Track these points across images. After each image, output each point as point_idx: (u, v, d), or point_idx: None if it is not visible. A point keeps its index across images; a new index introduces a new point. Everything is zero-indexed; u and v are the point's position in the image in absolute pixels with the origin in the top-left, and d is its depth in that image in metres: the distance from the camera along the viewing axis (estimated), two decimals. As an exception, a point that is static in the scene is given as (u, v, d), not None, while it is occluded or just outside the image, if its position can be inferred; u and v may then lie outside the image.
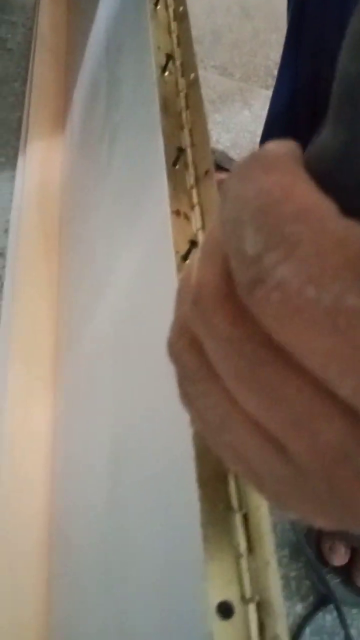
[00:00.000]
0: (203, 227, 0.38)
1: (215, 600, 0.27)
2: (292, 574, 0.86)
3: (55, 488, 0.64)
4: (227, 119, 1.36)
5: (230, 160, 1.17)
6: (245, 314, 0.15)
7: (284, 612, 0.26)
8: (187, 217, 0.39)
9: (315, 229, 0.13)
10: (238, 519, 0.29)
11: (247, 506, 0.29)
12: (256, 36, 1.57)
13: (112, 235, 0.54)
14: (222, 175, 1.11)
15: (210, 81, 1.42)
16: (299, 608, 0.84)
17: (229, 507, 0.29)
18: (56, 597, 0.58)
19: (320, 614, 0.85)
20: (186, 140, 0.43)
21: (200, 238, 0.38)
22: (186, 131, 0.44)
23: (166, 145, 0.42)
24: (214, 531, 0.28)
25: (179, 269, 0.36)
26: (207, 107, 1.37)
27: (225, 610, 0.27)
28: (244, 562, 0.27)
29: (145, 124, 0.48)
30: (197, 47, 1.35)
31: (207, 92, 1.40)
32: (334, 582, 0.86)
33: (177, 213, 0.39)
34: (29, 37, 1.20)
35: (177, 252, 0.37)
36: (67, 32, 1.18)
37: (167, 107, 0.45)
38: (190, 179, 0.41)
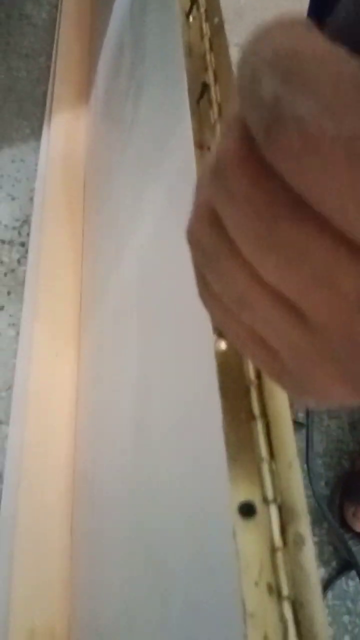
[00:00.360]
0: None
1: (237, 500, 0.27)
2: (315, 539, 0.86)
3: (79, 436, 0.65)
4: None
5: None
6: (263, 171, 0.15)
7: (306, 512, 0.27)
8: (210, 150, 0.39)
9: (332, 69, 0.14)
10: (260, 426, 0.29)
11: (268, 415, 0.29)
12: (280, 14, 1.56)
13: (136, 186, 0.55)
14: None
15: (233, 57, 1.41)
16: (322, 572, 0.84)
17: (250, 416, 0.29)
18: (80, 545, 0.59)
19: (342, 580, 0.85)
20: (210, 79, 0.43)
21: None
22: (210, 71, 0.44)
23: (190, 83, 0.42)
24: (237, 437, 0.29)
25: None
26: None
27: (247, 510, 0.27)
28: (265, 466, 0.28)
29: (170, 68, 0.48)
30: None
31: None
32: (357, 548, 0.86)
33: (200, 146, 0.39)
34: (54, 13, 1.21)
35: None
36: (91, 6, 1.19)
37: (192, 51, 0.45)
38: (214, 115, 0.41)
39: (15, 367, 0.79)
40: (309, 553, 0.25)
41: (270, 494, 0.27)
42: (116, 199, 0.65)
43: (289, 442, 0.28)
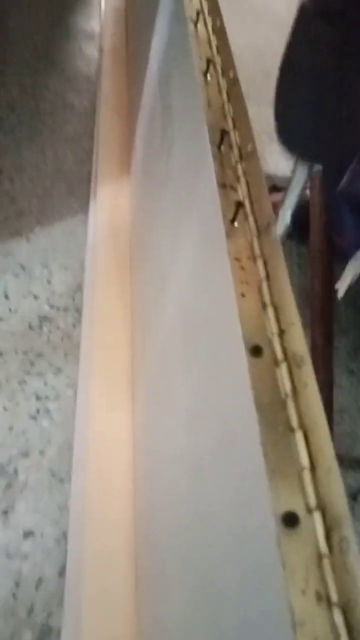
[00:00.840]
0: (249, 195, 0.41)
1: (280, 511, 0.27)
2: None
3: (138, 484, 0.65)
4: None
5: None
6: None
7: (348, 516, 0.26)
8: (233, 188, 0.42)
9: None
10: (298, 437, 0.29)
11: (305, 425, 0.30)
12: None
13: (172, 234, 0.58)
14: (278, 196, 1.12)
15: (264, 115, 1.48)
16: None
17: (289, 428, 0.30)
18: (144, 595, 0.58)
19: None
20: (229, 125, 0.46)
21: (247, 204, 0.40)
22: (229, 118, 0.47)
23: (210, 131, 0.45)
24: (275, 449, 0.29)
25: (228, 233, 0.39)
26: (263, 138, 1.42)
27: (290, 520, 0.27)
28: (306, 475, 0.28)
29: (194, 122, 0.52)
30: (248, 86, 1.42)
31: (262, 125, 1.45)
32: None
33: (223, 186, 0.42)
34: (94, 101, 1.33)
35: (224, 217, 0.39)
36: (127, 89, 1.30)
37: (211, 103, 0.49)
38: (235, 157, 0.44)
39: (75, 426, 0.82)
40: (356, 557, 0.25)
41: (312, 502, 0.27)
42: (156, 252, 0.68)
43: (327, 448, 0.28)
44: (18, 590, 0.67)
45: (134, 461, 0.74)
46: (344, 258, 0.89)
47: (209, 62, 0.52)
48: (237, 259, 0.36)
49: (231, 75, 0.51)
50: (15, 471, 0.76)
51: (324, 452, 0.28)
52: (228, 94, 0.50)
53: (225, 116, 0.47)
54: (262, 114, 1.49)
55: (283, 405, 0.30)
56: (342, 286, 0.89)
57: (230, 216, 0.39)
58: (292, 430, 0.29)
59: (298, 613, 0.24)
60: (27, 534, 0.71)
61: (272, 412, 0.30)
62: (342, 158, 0.88)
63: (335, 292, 1.09)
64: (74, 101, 1.32)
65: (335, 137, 0.29)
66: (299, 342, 0.33)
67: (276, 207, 1.16)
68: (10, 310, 0.92)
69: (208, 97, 0.50)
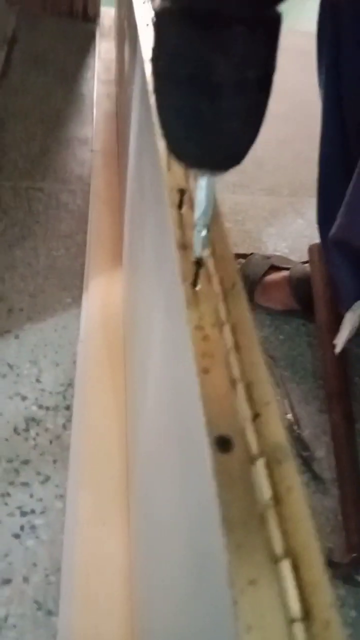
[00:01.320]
0: (213, 253, 0.34)
1: None
2: None
3: (135, 610, 0.54)
4: (281, 229, 1.38)
5: (288, 260, 1.15)
6: None
7: None
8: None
9: None
10: (285, 571, 0.20)
11: (295, 552, 0.20)
12: (297, 157, 1.65)
13: (148, 312, 0.51)
14: (284, 273, 1.07)
15: (258, 202, 1.47)
16: None
17: (270, 557, 0.21)
18: None
19: None
20: (189, 185, 0.41)
21: (210, 263, 0.33)
22: (189, 178, 0.42)
23: (170, 192, 0.40)
24: (252, 594, 0.20)
25: (188, 298, 0.32)
26: (260, 223, 1.41)
27: None
28: (298, 627, 0.18)
29: (157, 188, 0.48)
30: (240, 176, 1.43)
31: (257, 211, 1.44)
32: None
33: (183, 247, 0.35)
34: (87, 199, 1.33)
35: (184, 280, 0.32)
36: (118, 187, 1.30)
37: (170, 165, 0.44)
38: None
39: (63, 544, 0.71)
40: None
41: None
42: (138, 337, 0.61)
43: (324, 589, 0.19)
44: None
45: (131, 583, 0.62)
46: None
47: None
48: (199, 327, 0.29)
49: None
50: (-7, 605, 0.65)
51: (322, 598, 0.19)
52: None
53: (185, 176, 0.42)
54: (256, 201, 1.49)
55: (262, 521, 0.22)
56: (339, 340, 0.81)
57: (191, 278, 0.32)
58: (275, 560, 0.20)
59: None
60: None
61: (246, 533, 0.21)
62: (334, 206, 0.83)
63: (350, 368, 1.00)
64: (68, 200, 1.33)
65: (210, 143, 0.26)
66: (278, 428, 0.24)
67: (276, 285, 1.10)
68: (-6, 414, 0.85)
69: (168, 162, 0.45)
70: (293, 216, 1.43)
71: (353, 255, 0.81)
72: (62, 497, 0.76)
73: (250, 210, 1.44)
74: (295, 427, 0.91)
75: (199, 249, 0.32)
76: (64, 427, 0.85)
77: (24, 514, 0.74)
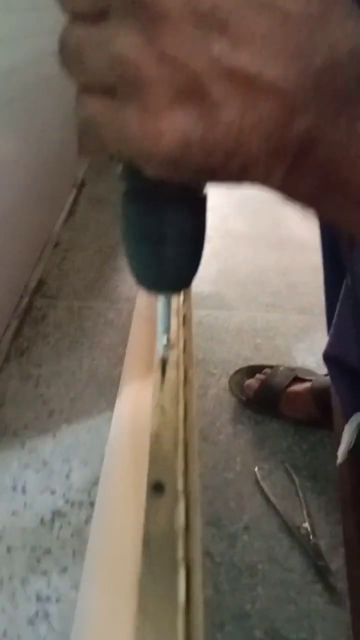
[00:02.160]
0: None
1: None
2: None
3: None
4: (310, 345, 1.46)
5: (313, 372, 1.22)
6: None
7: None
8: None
9: None
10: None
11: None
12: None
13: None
14: (307, 384, 1.14)
15: (290, 320, 1.58)
16: None
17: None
18: None
19: None
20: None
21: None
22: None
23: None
24: None
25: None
26: (290, 339, 1.49)
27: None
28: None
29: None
30: (274, 297, 1.56)
31: (289, 328, 1.54)
32: None
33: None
34: (131, 317, 1.48)
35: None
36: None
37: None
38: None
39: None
40: None
41: None
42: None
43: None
44: None
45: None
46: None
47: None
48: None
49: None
50: None
51: None
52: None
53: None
54: (288, 319, 1.59)
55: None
56: (339, 452, 0.84)
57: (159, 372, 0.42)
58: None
59: None
60: None
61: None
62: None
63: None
64: (114, 318, 1.49)
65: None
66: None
67: (299, 396, 1.16)
68: (25, 504, 0.92)
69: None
70: (323, 333, 1.51)
71: (345, 370, 0.87)
72: (76, 587, 0.80)
73: (282, 327, 1.54)
74: (311, 537, 0.92)
75: (161, 351, 0.43)
76: (86, 522, 0.91)
77: (39, 599, 0.78)
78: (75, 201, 2.17)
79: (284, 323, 1.56)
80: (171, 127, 0.22)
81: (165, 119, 0.22)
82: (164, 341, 0.42)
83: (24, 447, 1.04)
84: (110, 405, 1.17)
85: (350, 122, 0.22)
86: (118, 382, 1.28)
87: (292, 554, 0.89)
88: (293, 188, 0.25)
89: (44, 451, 1.04)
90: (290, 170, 0.24)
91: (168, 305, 0.42)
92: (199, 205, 0.34)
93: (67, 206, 2.09)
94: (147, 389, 1.18)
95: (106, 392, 1.21)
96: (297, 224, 2.22)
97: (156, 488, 0.32)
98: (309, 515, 0.96)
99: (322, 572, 0.87)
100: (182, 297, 0.55)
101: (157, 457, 0.34)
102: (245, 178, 0.24)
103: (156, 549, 0.27)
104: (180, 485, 0.32)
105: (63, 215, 2.02)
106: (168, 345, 0.43)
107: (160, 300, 0.41)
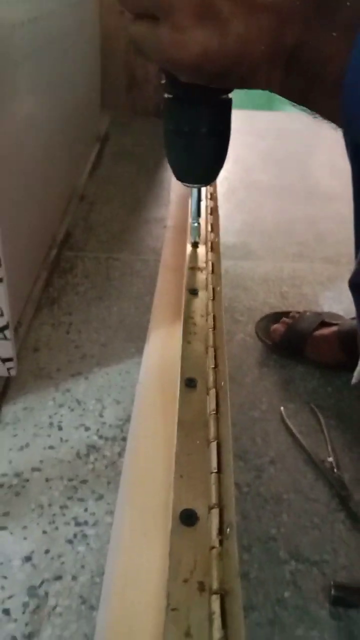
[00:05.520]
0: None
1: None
2: None
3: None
4: (337, 294, 1.47)
5: (340, 316, 1.23)
6: None
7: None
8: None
9: None
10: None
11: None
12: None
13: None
14: (333, 328, 1.16)
15: (317, 269, 1.58)
16: None
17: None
18: None
19: None
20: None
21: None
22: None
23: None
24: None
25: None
26: (317, 287, 1.50)
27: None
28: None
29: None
30: (301, 247, 1.57)
31: (316, 276, 1.55)
32: None
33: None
34: (157, 267, 1.50)
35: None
36: (183, 256, 1.46)
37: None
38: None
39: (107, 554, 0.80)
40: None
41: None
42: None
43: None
44: None
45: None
46: None
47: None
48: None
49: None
50: (46, 594, 0.74)
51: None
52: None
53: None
54: (315, 269, 1.60)
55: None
56: (356, 374, 0.86)
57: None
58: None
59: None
60: (47, 666, 0.67)
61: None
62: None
63: None
64: (140, 269, 1.51)
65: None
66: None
67: (325, 339, 1.18)
68: (61, 440, 0.97)
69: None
70: (349, 282, 1.51)
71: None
72: (112, 513, 0.86)
73: (309, 276, 1.55)
74: (335, 469, 0.96)
75: (194, 235, 0.57)
76: (119, 455, 0.96)
77: (78, 524, 0.84)
78: (99, 155, 2.17)
79: (311, 272, 1.56)
80: (193, 40, 0.30)
81: (188, 34, 0.30)
82: (195, 225, 0.56)
83: (58, 389, 1.08)
84: (139, 350, 1.20)
85: (325, 29, 0.28)
86: (145, 330, 1.31)
87: (317, 485, 0.92)
88: (288, 88, 0.32)
89: (77, 391, 1.08)
90: (285, 73, 0.31)
91: (198, 196, 0.57)
92: (224, 106, 0.42)
93: (91, 160, 2.09)
94: (174, 337, 1.21)
95: (134, 338, 1.25)
96: (323, 175, 2.19)
97: (188, 383, 0.35)
98: (333, 450, 1.00)
99: (345, 502, 0.90)
100: (209, 223, 0.59)
101: (189, 358, 0.37)
102: (253, 81, 0.32)
103: (190, 430, 0.30)
104: (211, 381, 0.34)
105: (87, 169, 2.03)
106: (198, 229, 0.62)
107: (193, 191, 0.52)
